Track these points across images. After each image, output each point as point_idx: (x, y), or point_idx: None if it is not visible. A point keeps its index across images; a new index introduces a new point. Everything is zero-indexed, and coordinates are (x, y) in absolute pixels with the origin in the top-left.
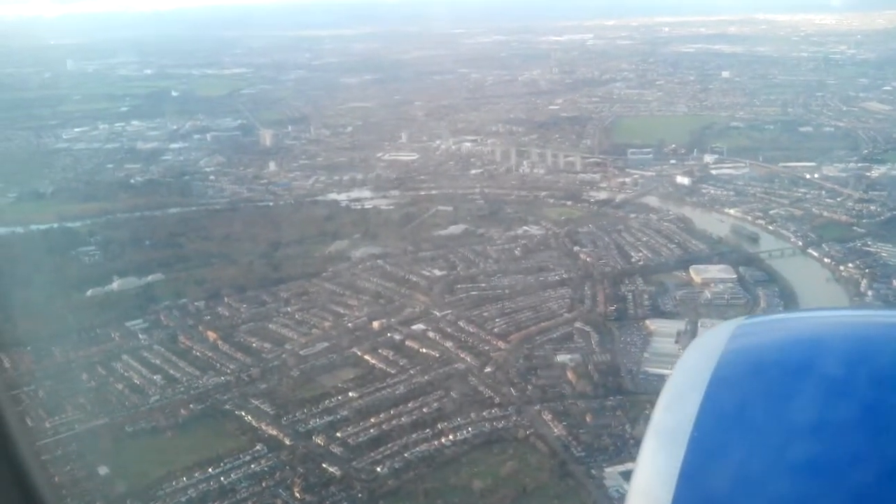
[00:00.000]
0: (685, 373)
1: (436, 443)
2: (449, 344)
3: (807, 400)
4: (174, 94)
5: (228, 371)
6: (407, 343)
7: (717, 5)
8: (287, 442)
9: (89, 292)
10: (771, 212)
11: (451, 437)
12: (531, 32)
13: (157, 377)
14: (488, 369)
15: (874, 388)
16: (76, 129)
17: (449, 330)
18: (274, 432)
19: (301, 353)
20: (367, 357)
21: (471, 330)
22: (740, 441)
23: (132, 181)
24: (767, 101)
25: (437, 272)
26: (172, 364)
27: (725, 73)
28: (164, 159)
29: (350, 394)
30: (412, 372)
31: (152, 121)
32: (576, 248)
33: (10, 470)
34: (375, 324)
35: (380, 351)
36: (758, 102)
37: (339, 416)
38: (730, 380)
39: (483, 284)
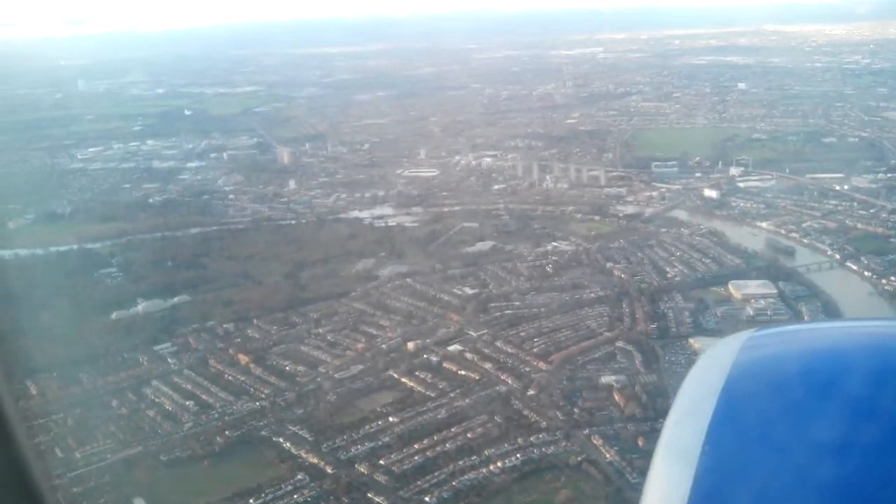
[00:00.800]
0: (695, 386)
1: (484, 470)
2: (488, 365)
3: (818, 412)
4: (187, 112)
5: (263, 396)
6: (444, 365)
7: (725, 17)
8: (329, 470)
9: (114, 315)
10: (804, 224)
11: (499, 463)
12: (541, 47)
13: (189, 403)
14: (531, 392)
15: (886, 399)
16: (91, 149)
17: (486, 351)
18: (315, 460)
19: (336, 376)
20: (404, 380)
21: (509, 350)
22: (752, 455)
23: (150, 201)
24: (787, 112)
25: (469, 290)
26: (204, 389)
27: (742, 85)
28: (182, 178)
29: (390, 419)
30: (452, 395)
31: (167, 140)
32: (609, 265)
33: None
34: (410, 345)
35: (417, 373)
36: (777, 114)
37: (380, 443)
38: (740, 393)
39: (517, 303)
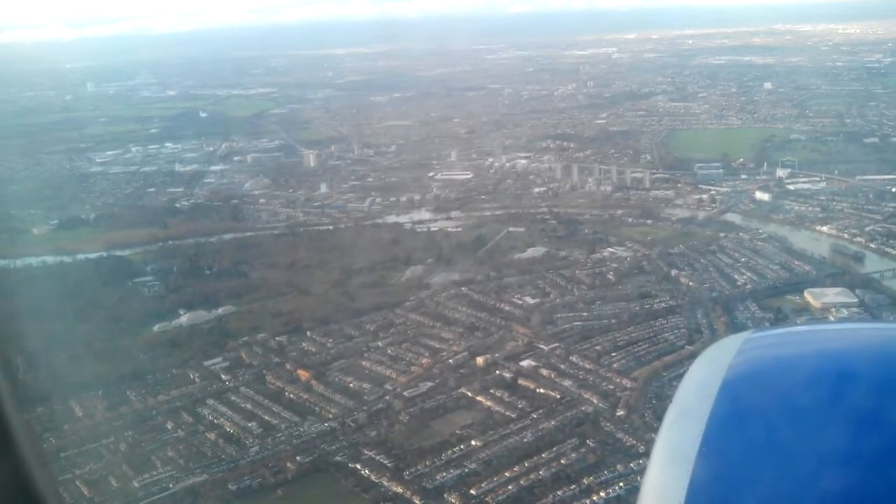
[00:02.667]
0: (692, 387)
1: (587, 501)
2: (567, 382)
3: (816, 414)
4: (203, 115)
5: (331, 416)
6: (520, 382)
7: (733, 17)
8: (417, 501)
9: (156, 327)
10: (867, 228)
11: (602, 494)
12: (553, 47)
13: (251, 424)
14: (621, 412)
15: (884, 401)
16: (108, 152)
17: (562, 366)
18: (399, 489)
19: (405, 394)
20: (479, 398)
21: (587, 366)
22: (749, 458)
23: (178, 205)
24: (820, 112)
25: (530, 300)
26: (265, 409)
27: (767, 85)
28: (207, 182)
29: (473, 442)
30: (535, 416)
31: (186, 142)
32: (673, 272)
33: None
34: (479, 360)
35: (492, 391)
36: (810, 114)
37: (467, 470)
38: (738, 395)
39: (584, 313)
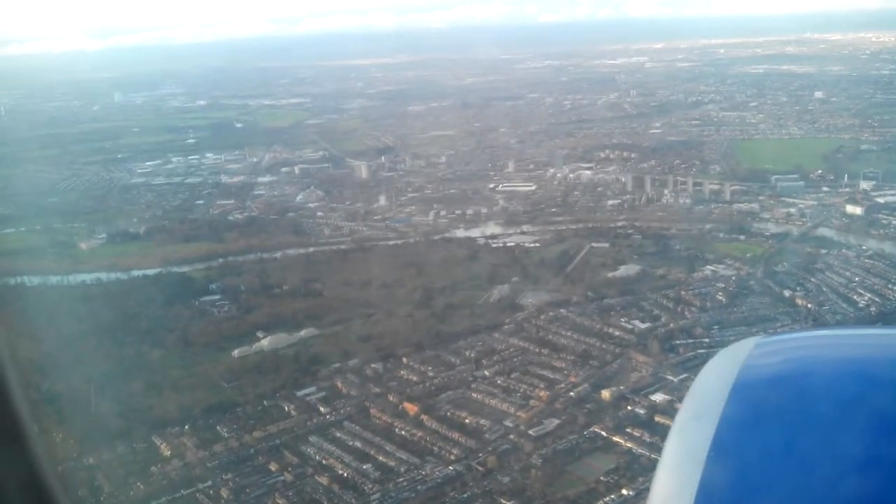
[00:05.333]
0: (703, 390)
1: None
2: None
3: (826, 420)
4: (238, 125)
5: (453, 457)
6: (656, 419)
7: (760, 26)
8: None
9: (236, 352)
10: None
11: None
12: (580, 57)
13: (367, 466)
14: None
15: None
16: (148, 163)
17: None
18: None
19: (531, 432)
20: (616, 439)
21: None
22: (759, 462)
23: (231, 219)
24: (884, 121)
25: (640, 324)
26: (377, 447)
27: (818, 94)
28: (258, 194)
29: (624, 491)
30: None
31: (228, 153)
32: (786, 292)
33: None
34: (605, 393)
35: (628, 430)
36: (874, 123)
37: None
38: (748, 398)
39: (706, 339)
